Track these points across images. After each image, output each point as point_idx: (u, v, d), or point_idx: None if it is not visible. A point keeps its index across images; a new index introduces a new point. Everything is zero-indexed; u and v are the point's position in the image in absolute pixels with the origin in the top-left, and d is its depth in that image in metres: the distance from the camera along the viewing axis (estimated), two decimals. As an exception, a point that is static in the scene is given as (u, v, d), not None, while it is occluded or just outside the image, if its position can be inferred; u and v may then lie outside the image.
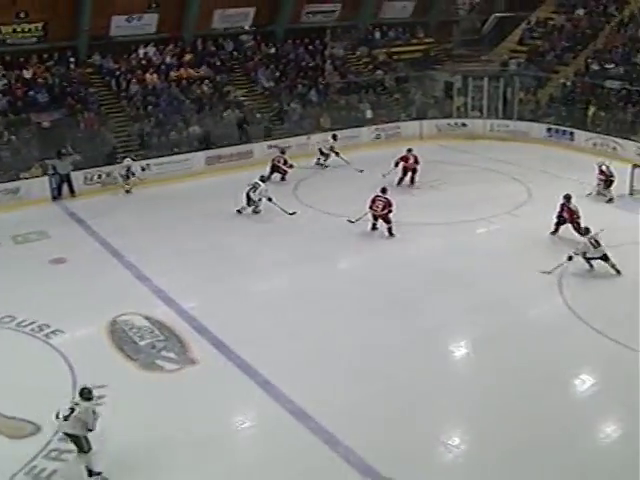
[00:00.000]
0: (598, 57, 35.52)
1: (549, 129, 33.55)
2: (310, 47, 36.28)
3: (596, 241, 18.96)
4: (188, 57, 33.06)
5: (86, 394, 11.91)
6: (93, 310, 17.31)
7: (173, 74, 32.01)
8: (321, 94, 34.14)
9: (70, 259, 20.51)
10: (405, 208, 23.67)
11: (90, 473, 11.89)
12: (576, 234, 20.60)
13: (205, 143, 29.75)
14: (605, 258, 19.04)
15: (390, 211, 21.77)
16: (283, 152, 28.11)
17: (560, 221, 21.59)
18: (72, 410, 11.76)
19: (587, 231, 19.37)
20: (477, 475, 12.07)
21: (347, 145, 31.47)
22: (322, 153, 29.68)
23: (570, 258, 18.93)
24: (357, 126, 33.43)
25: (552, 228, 21.69)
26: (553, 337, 16.08)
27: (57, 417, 11.87)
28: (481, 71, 36.75)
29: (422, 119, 34.91)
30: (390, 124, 34.18)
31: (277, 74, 34.20)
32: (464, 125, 34.73)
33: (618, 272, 19.01)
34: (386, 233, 21.94)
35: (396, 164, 26.81)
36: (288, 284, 18.99)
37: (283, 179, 27.45)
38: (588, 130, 32.46)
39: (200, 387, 14.31)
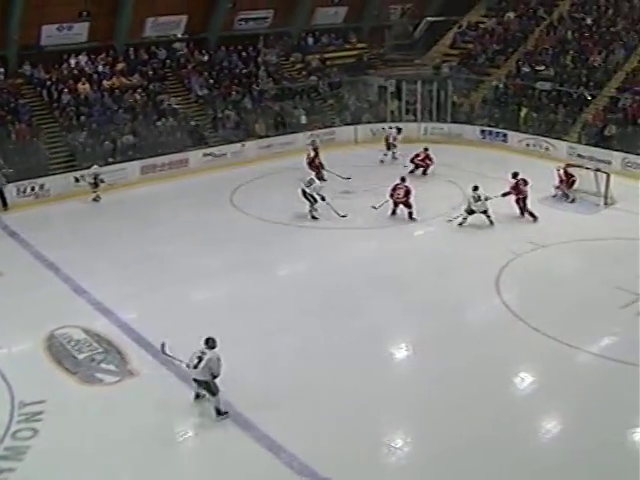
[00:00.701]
0: (529, 59, 36.17)
1: (483, 131, 34.08)
2: (243, 54, 36.25)
3: (478, 197, 22.66)
4: (120, 66, 32.78)
5: (211, 343, 13.47)
6: (30, 325, 17.08)
7: (106, 83, 31.72)
8: (255, 101, 34.15)
9: (4, 273, 20.16)
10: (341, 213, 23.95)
11: (219, 412, 13.46)
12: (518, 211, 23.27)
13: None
14: (485, 213, 22.79)
15: (410, 197, 23.59)
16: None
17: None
18: (200, 359, 13.33)
19: (475, 188, 22.88)
20: (420, 476, 12.24)
21: (282, 151, 31.62)
22: (389, 146, 30.59)
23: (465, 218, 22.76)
24: (292, 132, 33.50)
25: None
26: (492, 336, 16.37)
27: (187, 366, 13.46)
28: (414, 75, 37.14)
29: (357, 124, 35.16)
30: (325, 129, 34.31)
31: (211, 81, 34.13)
32: (399, 129, 34.97)
33: (491, 223, 22.68)
34: (406, 217, 23.73)
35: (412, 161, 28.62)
36: (226, 291, 18.96)
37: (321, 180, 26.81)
38: (521, 131, 33.09)
39: (141, 398, 14.23)
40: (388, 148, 30.90)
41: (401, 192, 23.68)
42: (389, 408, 13.88)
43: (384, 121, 35.52)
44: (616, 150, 28.91)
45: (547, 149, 31.07)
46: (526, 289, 18.90)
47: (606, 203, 24.41)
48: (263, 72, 35.43)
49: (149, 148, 29.97)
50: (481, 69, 37.36)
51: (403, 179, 24.26)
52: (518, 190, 23.56)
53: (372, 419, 13.48)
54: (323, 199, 23.83)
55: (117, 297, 18.37)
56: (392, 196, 23.84)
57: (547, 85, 33.83)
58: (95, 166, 26.68)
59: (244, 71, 35.36)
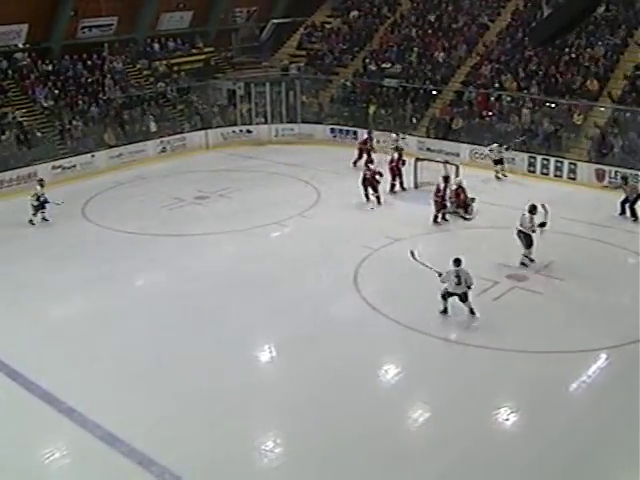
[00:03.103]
0: (375, 57, 36.93)
1: (333, 130, 34.61)
2: (89, 62, 35.42)
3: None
4: (-42, 79, 31.61)
5: (458, 261, 16.53)
6: None
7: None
8: (103, 110, 33.52)
9: None
10: (196, 219, 23.87)
11: (473, 312, 16.79)
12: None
13: None
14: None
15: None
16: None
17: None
18: (459, 277, 16.42)
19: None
20: (293, 477, 12.30)
21: (134, 160, 31.21)
22: (497, 162, 28.02)
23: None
24: (142, 140, 33.04)
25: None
26: (354, 330, 16.62)
27: (440, 276, 16.74)
28: (263, 77, 37.38)
29: (207, 129, 35.01)
30: (175, 136, 34.02)
31: (56, 92, 33.23)
32: (249, 132, 35.20)
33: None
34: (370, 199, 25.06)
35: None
36: (83, 306, 18.46)
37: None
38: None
39: (1, 422, 13.79)
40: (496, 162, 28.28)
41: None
42: (258, 410, 13.88)
43: (234, 124, 35.60)
44: (463, 142, 29.86)
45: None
46: (384, 283, 19.30)
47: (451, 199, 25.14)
48: (109, 80, 34.77)
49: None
50: (329, 69, 37.92)
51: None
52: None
53: (241, 423, 13.45)
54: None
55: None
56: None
57: (393, 82, 34.68)
58: (38, 187, 24.68)
59: (90, 80, 34.60)
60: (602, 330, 16.13)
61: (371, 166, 25.20)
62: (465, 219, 23.56)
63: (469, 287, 16.59)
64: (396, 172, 26.24)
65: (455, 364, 15.30)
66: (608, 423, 13.14)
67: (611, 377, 14.66)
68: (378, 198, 24.94)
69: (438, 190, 23.24)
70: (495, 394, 14.15)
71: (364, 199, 24.96)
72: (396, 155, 26.64)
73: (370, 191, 24.97)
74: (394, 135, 29.77)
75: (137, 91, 35.41)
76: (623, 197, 23.63)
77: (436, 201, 23.19)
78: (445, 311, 17.01)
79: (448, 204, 23.56)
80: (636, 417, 12.81)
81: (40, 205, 23.91)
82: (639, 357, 15.16)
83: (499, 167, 27.85)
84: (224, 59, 41.35)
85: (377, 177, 24.79)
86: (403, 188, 26.34)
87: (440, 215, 23.23)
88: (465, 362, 15.35)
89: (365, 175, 24.97)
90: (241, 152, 33.17)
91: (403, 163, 26.46)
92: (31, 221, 23.68)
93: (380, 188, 25.10)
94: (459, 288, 16.62)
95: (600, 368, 14.97)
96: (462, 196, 23.74)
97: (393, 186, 26.11)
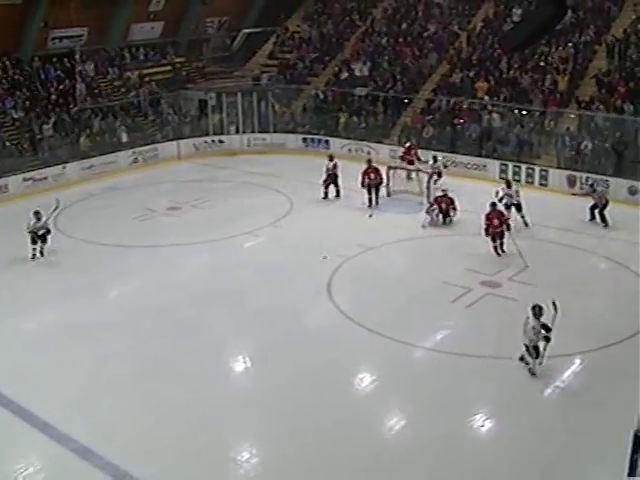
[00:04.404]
0: (346, 66, 36.97)
1: (305, 139, 34.65)
2: (60, 72, 35.26)
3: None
4: None
5: (537, 310, 14.55)
6: None
7: None
8: (74, 120, 33.30)
9: None
10: (168, 230, 23.82)
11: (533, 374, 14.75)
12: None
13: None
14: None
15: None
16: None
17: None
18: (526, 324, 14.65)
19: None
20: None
21: (105, 171, 31.06)
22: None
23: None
24: (113, 151, 32.80)
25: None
26: (329, 340, 16.64)
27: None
28: (234, 87, 37.35)
29: (179, 139, 34.88)
30: (147, 146, 33.83)
31: (27, 102, 32.98)
32: (221, 142, 35.16)
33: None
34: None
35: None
36: (57, 319, 18.28)
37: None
38: (342, 137, 33.88)
39: None
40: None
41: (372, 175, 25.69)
42: (235, 421, 13.83)
43: (206, 135, 35.53)
44: (436, 150, 29.96)
45: (369, 153, 31.83)
46: (357, 291, 19.34)
47: (431, 204, 25.16)
48: (81, 84, 34.29)
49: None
50: (300, 78, 37.93)
51: (369, 160, 26.34)
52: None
53: (218, 434, 13.41)
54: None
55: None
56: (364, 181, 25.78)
57: (364, 91, 34.75)
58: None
59: (61, 89, 34.35)
60: (576, 335, 16.19)
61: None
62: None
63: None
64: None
65: (430, 371, 15.38)
66: (584, 428, 13.23)
67: (586, 382, 14.79)
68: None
69: (493, 216, 21.03)
70: (471, 401, 14.19)
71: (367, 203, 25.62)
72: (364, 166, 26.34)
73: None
74: (431, 161, 27.56)
75: (108, 101, 35.21)
76: (592, 203, 23.85)
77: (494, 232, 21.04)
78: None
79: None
80: (612, 422, 12.92)
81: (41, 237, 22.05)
82: (613, 361, 15.32)
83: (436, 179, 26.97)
84: (195, 69, 41.21)
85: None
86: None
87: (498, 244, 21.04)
88: (440, 369, 15.41)
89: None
90: (213, 162, 33.11)
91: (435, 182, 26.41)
92: (34, 256, 22.00)
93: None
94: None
95: (574, 373, 15.11)
96: (444, 205, 23.85)
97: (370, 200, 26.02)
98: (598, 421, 13.34)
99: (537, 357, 14.69)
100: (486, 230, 20.86)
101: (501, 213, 21.29)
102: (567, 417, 13.59)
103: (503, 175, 28.25)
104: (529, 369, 14.77)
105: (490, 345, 16.02)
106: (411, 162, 28.39)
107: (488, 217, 21.05)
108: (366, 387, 15.05)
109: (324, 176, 26.82)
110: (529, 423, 13.38)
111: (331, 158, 27.40)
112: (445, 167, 27.87)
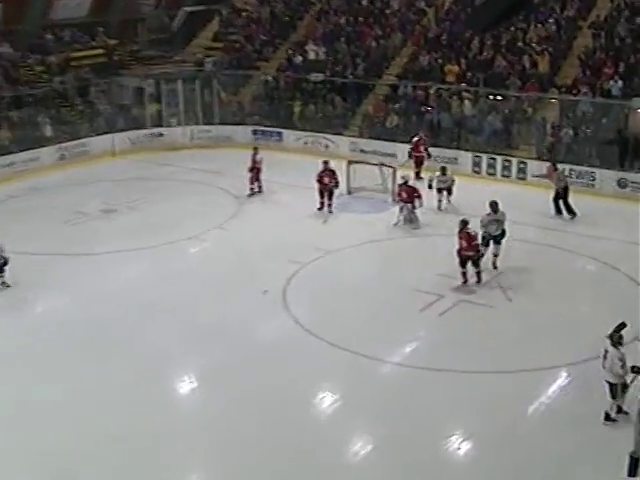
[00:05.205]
0: (300, 49, 37.01)
1: (255, 131, 34.62)
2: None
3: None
4: None
5: (616, 339, 13.47)
6: None
7: None
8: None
9: None
10: (103, 236, 23.64)
11: (607, 417, 13.63)
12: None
13: None
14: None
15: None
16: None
17: None
18: (604, 357, 13.49)
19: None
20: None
21: (27, 169, 30.72)
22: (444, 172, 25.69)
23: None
24: (36, 146, 32.26)
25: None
26: (286, 356, 16.60)
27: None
28: (175, 73, 37.20)
29: (112, 132, 34.59)
30: (75, 141, 33.46)
31: None
32: (161, 135, 35.05)
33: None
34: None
35: None
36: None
37: None
38: (297, 128, 33.90)
39: None
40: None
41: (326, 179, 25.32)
42: (177, 451, 13.72)
43: (144, 127, 35.33)
44: (401, 142, 30.09)
45: (327, 146, 32.00)
46: (316, 301, 19.40)
47: (394, 199, 25.31)
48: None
49: None
50: (249, 62, 37.81)
51: (326, 161, 25.73)
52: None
53: (157, 466, 13.29)
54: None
55: None
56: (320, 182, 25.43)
57: (321, 76, 34.76)
58: None
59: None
60: (562, 345, 16.40)
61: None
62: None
63: None
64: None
65: (398, 389, 15.41)
66: (573, 450, 13.28)
67: (573, 397, 14.86)
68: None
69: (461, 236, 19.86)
70: (444, 421, 14.25)
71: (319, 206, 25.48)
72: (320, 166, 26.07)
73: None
74: (438, 172, 25.96)
75: (29, 89, 34.72)
76: (553, 194, 24.21)
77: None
78: None
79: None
80: (603, 443, 13.08)
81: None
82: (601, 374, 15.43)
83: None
84: (130, 53, 40.79)
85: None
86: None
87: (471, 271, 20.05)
88: (410, 386, 15.45)
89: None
90: (152, 158, 32.95)
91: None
92: None
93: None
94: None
95: (561, 387, 15.22)
96: (404, 195, 23.96)
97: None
98: (587, 442, 13.44)
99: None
100: (458, 252, 19.87)
101: (469, 235, 19.55)
102: (553, 437, 13.61)
103: (476, 168, 28.54)
104: (606, 414, 13.73)
105: (465, 358, 16.10)
106: (420, 161, 28.52)
107: (459, 235, 19.81)
108: (328, 408, 15.03)
109: (248, 171, 27.21)
110: (511, 445, 13.44)
111: (256, 150, 27.63)
112: (453, 181, 25.64)
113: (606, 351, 13.56)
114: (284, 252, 21.73)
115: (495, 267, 20.31)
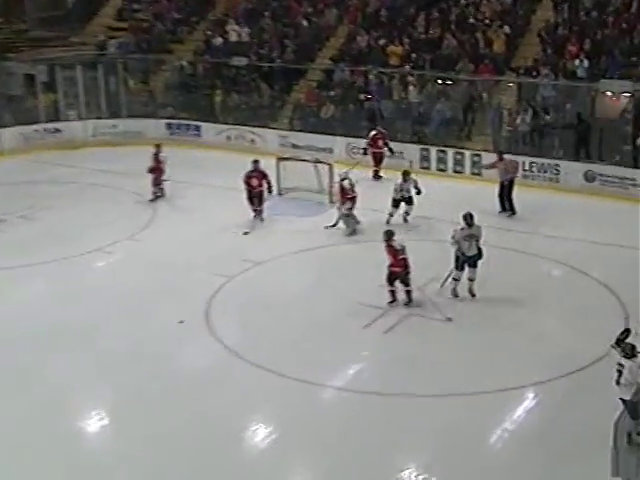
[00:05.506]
0: (219, 29, 36.94)
1: (169, 125, 34.59)
2: None
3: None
4: None
5: (628, 350, 13.24)
6: None
7: None
8: None
9: None
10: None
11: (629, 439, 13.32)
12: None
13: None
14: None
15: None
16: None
17: None
18: (620, 372, 13.23)
19: None
20: None
21: None
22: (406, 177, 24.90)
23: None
24: None
25: None
26: (211, 385, 16.55)
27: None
28: (72, 57, 36.83)
29: (-1, 127, 34.27)
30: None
31: None
32: (58, 131, 34.80)
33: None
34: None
35: None
36: None
37: None
38: (218, 121, 33.90)
39: None
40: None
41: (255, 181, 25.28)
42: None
43: (36, 122, 34.97)
44: (338, 135, 30.23)
45: (253, 141, 32.11)
46: (245, 319, 19.38)
47: (332, 200, 25.42)
48: None
49: None
50: (160, 45, 37.74)
51: (255, 160, 25.68)
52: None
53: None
54: None
55: None
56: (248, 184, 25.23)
57: (244, 61, 34.76)
58: None
59: None
60: (524, 363, 16.61)
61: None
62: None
63: None
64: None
65: (341, 417, 15.44)
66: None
67: (541, 422, 14.97)
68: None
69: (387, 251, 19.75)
70: (395, 453, 14.25)
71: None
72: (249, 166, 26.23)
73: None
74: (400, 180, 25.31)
75: None
76: (498, 189, 24.78)
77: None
78: None
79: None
80: (575, 475, 13.24)
81: None
82: (574, 395, 15.65)
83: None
84: (16, 33, 40.38)
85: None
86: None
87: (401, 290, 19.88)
88: (354, 414, 15.44)
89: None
90: (48, 158, 32.75)
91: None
92: None
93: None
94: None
95: (527, 411, 15.34)
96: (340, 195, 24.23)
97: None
98: (557, 474, 13.56)
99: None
100: (388, 267, 19.62)
101: (394, 249, 19.34)
102: (520, 469, 13.69)
103: (425, 164, 28.79)
104: (629, 435, 13.54)
105: (417, 380, 16.21)
106: (379, 157, 28.78)
107: (385, 249, 19.66)
108: (261, 443, 14.96)
109: (148, 172, 27.44)
110: (473, 476, 13.52)
111: (159, 147, 27.93)
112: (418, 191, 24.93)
113: (620, 365, 13.42)
114: (207, 265, 21.77)
115: (473, 295, 19.90)
